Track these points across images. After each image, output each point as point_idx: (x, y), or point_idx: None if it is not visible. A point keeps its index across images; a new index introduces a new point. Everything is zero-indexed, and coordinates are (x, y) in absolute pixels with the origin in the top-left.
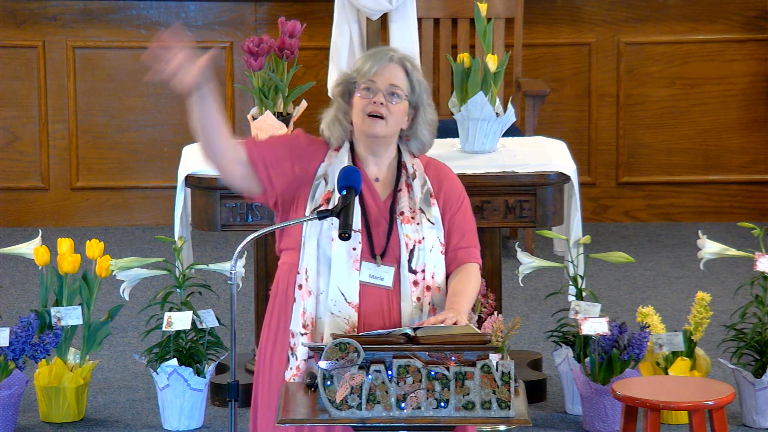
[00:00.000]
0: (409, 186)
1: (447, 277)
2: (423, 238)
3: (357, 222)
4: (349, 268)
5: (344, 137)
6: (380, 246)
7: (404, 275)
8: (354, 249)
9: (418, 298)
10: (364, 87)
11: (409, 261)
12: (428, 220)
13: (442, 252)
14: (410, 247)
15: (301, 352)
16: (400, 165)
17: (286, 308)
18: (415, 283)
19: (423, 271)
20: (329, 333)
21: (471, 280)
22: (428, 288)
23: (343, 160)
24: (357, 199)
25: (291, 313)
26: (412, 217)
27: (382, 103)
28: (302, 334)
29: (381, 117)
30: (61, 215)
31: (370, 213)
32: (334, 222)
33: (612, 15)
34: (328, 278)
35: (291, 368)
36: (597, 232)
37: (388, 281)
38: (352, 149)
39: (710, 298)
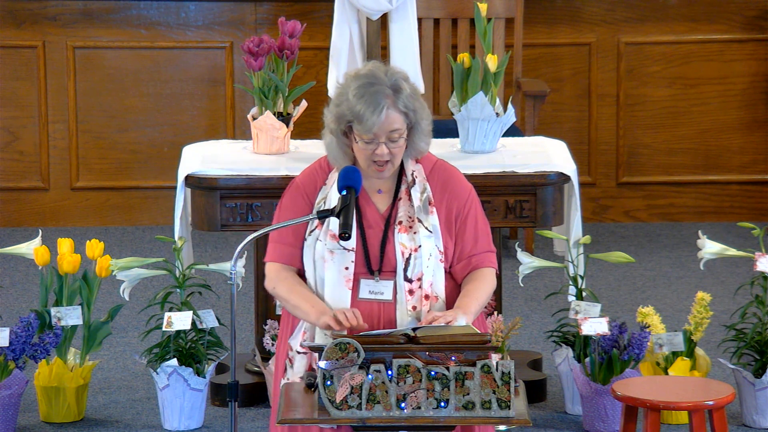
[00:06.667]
0: (409, 194)
1: (460, 284)
2: (419, 247)
3: (352, 240)
4: (342, 287)
5: (349, 161)
6: (377, 261)
7: (400, 284)
8: (346, 268)
9: (414, 307)
10: (366, 140)
11: (405, 270)
12: (426, 228)
13: (441, 260)
14: (406, 255)
15: (298, 366)
16: (400, 173)
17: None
18: (411, 292)
19: (419, 279)
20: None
21: (483, 283)
22: (426, 297)
23: None
24: (354, 217)
25: (294, 325)
26: (410, 226)
27: (386, 153)
28: (299, 353)
29: (387, 161)
30: (61, 215)
31: (366, 229)
32: (327, 243)
33: (612, 15)
34: (324, 298)
35: (288, 378)
36: (597, 232)
37: (388, 295)
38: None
39: (710, 298)
